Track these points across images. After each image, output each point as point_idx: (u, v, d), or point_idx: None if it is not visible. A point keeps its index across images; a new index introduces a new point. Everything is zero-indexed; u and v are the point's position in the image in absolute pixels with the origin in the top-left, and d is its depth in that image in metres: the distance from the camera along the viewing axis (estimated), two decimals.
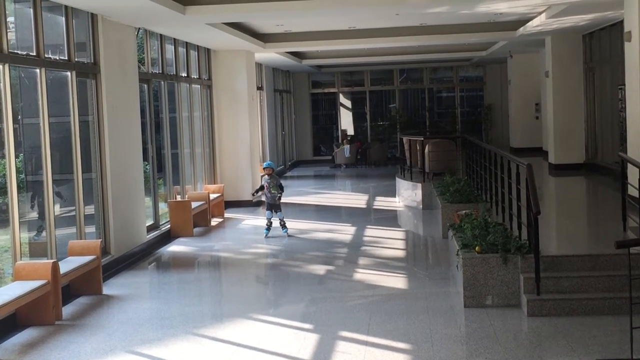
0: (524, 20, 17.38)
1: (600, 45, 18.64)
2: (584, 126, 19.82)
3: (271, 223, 14.02)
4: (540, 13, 15.87)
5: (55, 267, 8.76)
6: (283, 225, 14.05)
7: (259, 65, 23.01)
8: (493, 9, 14.71)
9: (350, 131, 31.64)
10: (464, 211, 11.18)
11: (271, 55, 20.94)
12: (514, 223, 9.76)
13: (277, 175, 14.53)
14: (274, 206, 14.02)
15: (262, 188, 14.25)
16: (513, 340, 7.47)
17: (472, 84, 31.94)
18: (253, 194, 15.37)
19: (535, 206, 8.30)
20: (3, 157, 9.10)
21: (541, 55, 23.68)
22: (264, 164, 14.45)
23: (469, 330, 7.96)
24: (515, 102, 27.51)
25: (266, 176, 14.13)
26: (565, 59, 19.80)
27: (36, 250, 10.05)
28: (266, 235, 13.97)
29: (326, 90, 31.83)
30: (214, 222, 16.09)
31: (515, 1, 13.37)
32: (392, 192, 19.40)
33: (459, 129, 30.13)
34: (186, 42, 16.47)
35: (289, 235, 13.93)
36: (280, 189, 14.10)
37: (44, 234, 10.04)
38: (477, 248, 8.80)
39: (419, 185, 16.87)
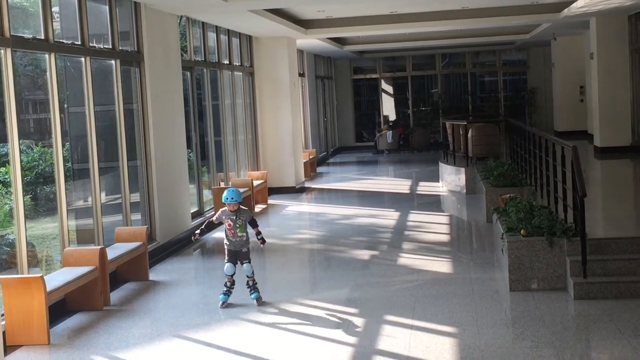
0: (568, 2, 17.13)
1: None
2: (630, 108, 19.53)
3: (232, 283, 8.75)
4: None
5: (102, 254, 8.88)
6: (252, 287, 8.78)
7: (300, 52, 23.02)
8: None
9: (393, 117, 31.54)
10: (508, 195, 11.11)
11: (313, 41, 20.94)
12: (559, 206, 9.67)
13: (246, 209, 8.97)
14: (240, 255, 8.81)
15: (210, 225, 9.07)
16: (560, 324, 7.41)
17: (515, 67, 31.61)
18: (195, 235, 9.07)
19: (581, 188, 8.22)
20: (50, 146, 9.24)
21: (586, 37, 23.36)
22: (225, 194, 8.66)
23: (515, 314, 7.92)
24: (560, 85, 27.21)
25: (227, 211, 8.70)
26: (610, 40, 19.51)
27: (84, 237, 10.19)
28: (223, 303, 8.69)
29: (368, 76, 31.73)
30: (258, 208, 16.17)
31: None
32: (435, 177, 19.32)
33: (502, 113, 29.88)
34: (228, 30, 16.53)
35: (260, 304, 8.70)
36: (253, 225, 8.93)
37: None
38: (522, 231, 8.73)
39: (463, 169, 16.79)
